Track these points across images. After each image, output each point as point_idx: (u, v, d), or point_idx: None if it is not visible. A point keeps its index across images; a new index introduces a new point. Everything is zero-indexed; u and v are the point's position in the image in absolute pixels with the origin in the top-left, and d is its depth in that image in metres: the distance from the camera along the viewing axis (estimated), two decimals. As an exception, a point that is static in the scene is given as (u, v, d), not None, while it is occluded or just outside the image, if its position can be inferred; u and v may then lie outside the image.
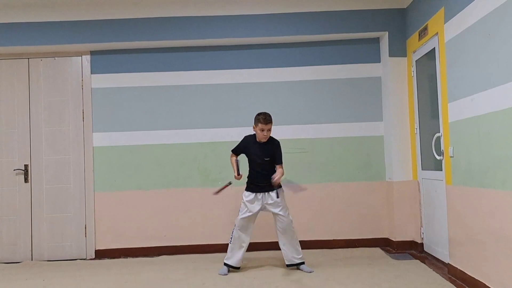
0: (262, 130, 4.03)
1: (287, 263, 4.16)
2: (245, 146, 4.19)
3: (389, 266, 4.22)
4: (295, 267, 4.16)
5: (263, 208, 4.10)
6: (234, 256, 4.13)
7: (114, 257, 4.98)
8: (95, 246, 5.03)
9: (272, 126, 4.11)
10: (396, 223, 4.86)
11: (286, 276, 3.99)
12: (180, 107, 5.12)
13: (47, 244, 5.01)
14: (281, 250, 4.18)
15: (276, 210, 4.05)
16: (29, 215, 5.01)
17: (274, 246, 4.80)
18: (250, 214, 4.06)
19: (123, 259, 4.93)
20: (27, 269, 4.64)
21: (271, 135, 4.13)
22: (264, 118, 4.01)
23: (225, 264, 4.15)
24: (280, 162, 4.10)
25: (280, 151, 4.13)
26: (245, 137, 4.24)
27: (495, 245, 3.17)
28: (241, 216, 4.09)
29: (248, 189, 4.14)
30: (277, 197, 4.04)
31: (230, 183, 4.21)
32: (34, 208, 5.02)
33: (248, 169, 4.17)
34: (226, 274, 4.08)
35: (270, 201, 4.07)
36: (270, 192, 4.07)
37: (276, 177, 3.93)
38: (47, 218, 5.02)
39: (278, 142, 4.19)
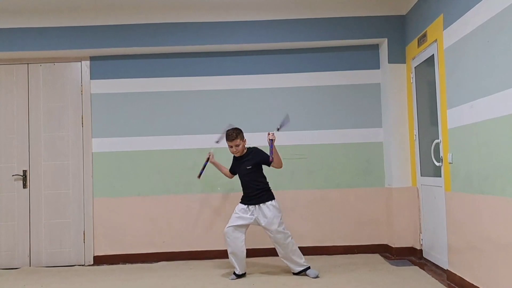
0: (230, 147, 4.16)
1: (292, 271, 4.18)
2: (233, 162, 4.35)
3: (388, 272, 4.21)
4: (299, 274, 4.15)
5: (255, 222, 4.09)
6: (234, 264, 4.13)
7: (112, 263, 4.96)
8: (93, 252, 5.01)
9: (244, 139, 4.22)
10: (395, 229, 4.85)
11: (285, 282, 3.97)
12: (179, 113, 5.13)
13: (46, 250, 4.99)
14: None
15: (265, 224, 4.04)
16: (28, 220, 5.00)
17: (275, 252, 4.80)
18: (237, 224, 4.07)
19: (122, 265, 4.91)
20: (25, 275, 4.62)
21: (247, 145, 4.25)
22: (229, 135, 4.13)
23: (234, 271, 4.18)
24: (271, 159, 4.02)
25: (262, 154, 4.15)
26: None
27: (494, 251, 3.17)
28: (227, 226, 4.11)
29: (240, 201, 4.19)
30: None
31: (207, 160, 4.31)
32: (32, 213, 5.00)
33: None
34: (233, 279, 4.10)
35: (260, 214, 4.05)
36: (261, 205, 4.06)
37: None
38: (45, 224, 5.00)
39: (255, 148, 4.22)
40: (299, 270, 4.13)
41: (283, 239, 4.03)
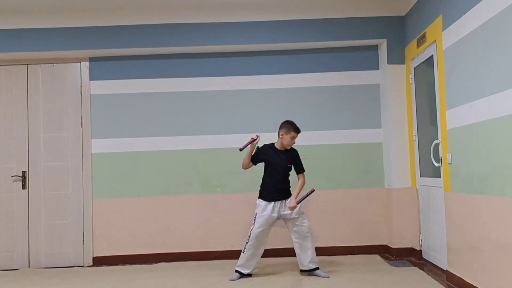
0: (293, 138, 4.18)
1: (302, 268, 4.16)
2: (266, 154, 4.22)
3: (388, 273, 4.21)
4: (307, 273, 4.15)
5: (279, 217, 4.12)
6: (248, 265, 4.12)
7: (112, 264, 4.95)
8: (93, 253, 5.00)
9: (274, 133, 4.30)
10: (395, 230, 4.85)
11: (284, 282, 3.97)
12: (179, 114, 5.12)
13: (45, 251, 4.98)
14: (292, 256, 4.27)
15: (293, 214, 4.08)
16: (27, 222, 4.99)
17: (275, 253, 4.81)
18: (267, 226, 4.09)
19: (121, 266, 4.90)
20: (24, 276, 4.61)
21: None
22: (296, 128, 4.18)
23: (237, 271, 4.14)
24: (303, 170, 4.25)
25: (299, 160, 4.25)
26: (264, 145, 4.27)
27: (494, 252, 3.17)
28: (258, 229, 4.06)
29: (265, 198, 4.13)
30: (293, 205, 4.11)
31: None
32: (31, 215, 4.99)
33: (264, 178, 4.23)
34: (235, 280, 4.09)
35: (286, 209, 4.09)
36: (286, 200, 4.13)
37: (293, 198, 4.10)
38: (44, 225, 4.99)
39: (297, 150, 4.28)
40: (312, 268, 4.11)
41: (307, 229, 4.10)
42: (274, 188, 4.13)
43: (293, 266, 4.45)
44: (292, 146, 4.25)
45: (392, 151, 4.91)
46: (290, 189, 4.22)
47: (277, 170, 4.16)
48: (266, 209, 4.09)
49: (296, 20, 4.97)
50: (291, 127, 4.16)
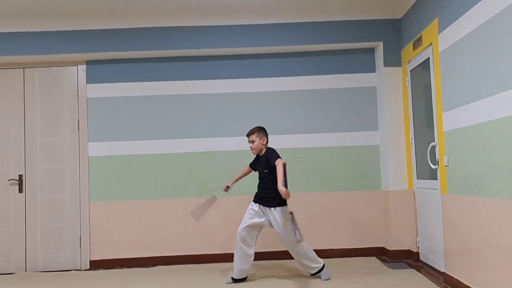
0: (248, 142, 4.14)
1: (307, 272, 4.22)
2: (253, 160, 4.29)
3: (385, 275, 4.21)
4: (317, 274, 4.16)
5: (269, 224, 4.04)
6: (236, 267, 4.07)
7: (109, 268, 4.94)
8: (90, 257, 4.98)
9: (268, 137, 4.15)
10: (392, 232, 4.86)
11: (282, 284, 3.97)
12: (176, 117, 5.12)
13: (41, 255, 4.96)
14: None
15: (276, 228, 4.00)
16: (23, 225, 4.97)
17: (272, 255, 4.81)
18: (250, 223, 4.01)
19: (118, 269, 4.89)
20: (21, 280, 4.59)
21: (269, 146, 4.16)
22: (248, 131, 4.15)
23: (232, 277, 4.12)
24: (274, 161, 3.92)
25: (271, 153, 4.03)
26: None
27: (491, 254, 3.18)
28: (241, 226, 4.05)
29: (254, 200, 4.14)
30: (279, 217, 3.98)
31: (214, 197, 4.27)
32: (28, 218, 4.98)
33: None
34: (230, 283, 4.07)
35: (272, 218, 4.01)
36: (272, 209, 3.99)
37: (279, 185, 3.74)
38: (41, 228, 4.98)
39: (271, 150, 4.09)
40: (314, 272, 4.14)
41: (293, 245, 3.98)
42: (258, 191, 4.12)
43: (290, 269, 4.45)
44: (270, 148, 4.12)
45: (389, 154, 4.92)
46: (274, 200, 3.96)
47: (259, 173, 4.18)
48: (253, 208, 4.07)
49: (293, 23, 4.98)
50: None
